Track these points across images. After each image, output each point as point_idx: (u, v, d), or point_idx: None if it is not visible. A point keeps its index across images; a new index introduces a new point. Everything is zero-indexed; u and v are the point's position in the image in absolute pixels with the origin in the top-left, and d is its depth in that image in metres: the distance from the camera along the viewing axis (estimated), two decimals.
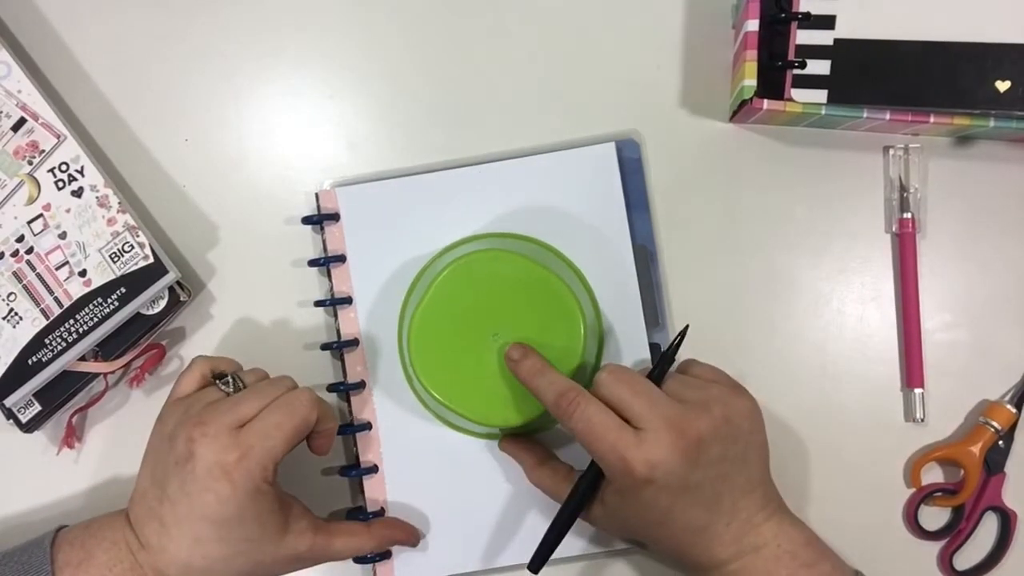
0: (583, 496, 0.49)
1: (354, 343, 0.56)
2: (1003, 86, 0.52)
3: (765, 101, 0.53)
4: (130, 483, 0.56)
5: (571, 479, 0.50)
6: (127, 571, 0.47)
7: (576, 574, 0.56)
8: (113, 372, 0.55)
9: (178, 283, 0.55)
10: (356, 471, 0.56)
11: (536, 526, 0.55)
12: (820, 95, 0.53)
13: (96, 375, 0.55)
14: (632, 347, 0.55)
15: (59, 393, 0.54)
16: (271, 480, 0.46)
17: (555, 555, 0.55)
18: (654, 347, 0.55)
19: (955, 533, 0.55)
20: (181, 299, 0.55)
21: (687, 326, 0.51)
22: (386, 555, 0.55)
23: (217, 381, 0.50)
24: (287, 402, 0.48)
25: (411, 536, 0.54)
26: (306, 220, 0.57)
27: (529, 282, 0.51)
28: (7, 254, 0.54)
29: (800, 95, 0.53)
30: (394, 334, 0.55)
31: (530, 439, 0.54)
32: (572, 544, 0.55)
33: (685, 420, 0.45)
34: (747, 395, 0.49)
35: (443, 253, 0.55)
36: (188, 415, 0.47)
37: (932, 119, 0.53)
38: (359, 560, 0.55)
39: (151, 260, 0.54)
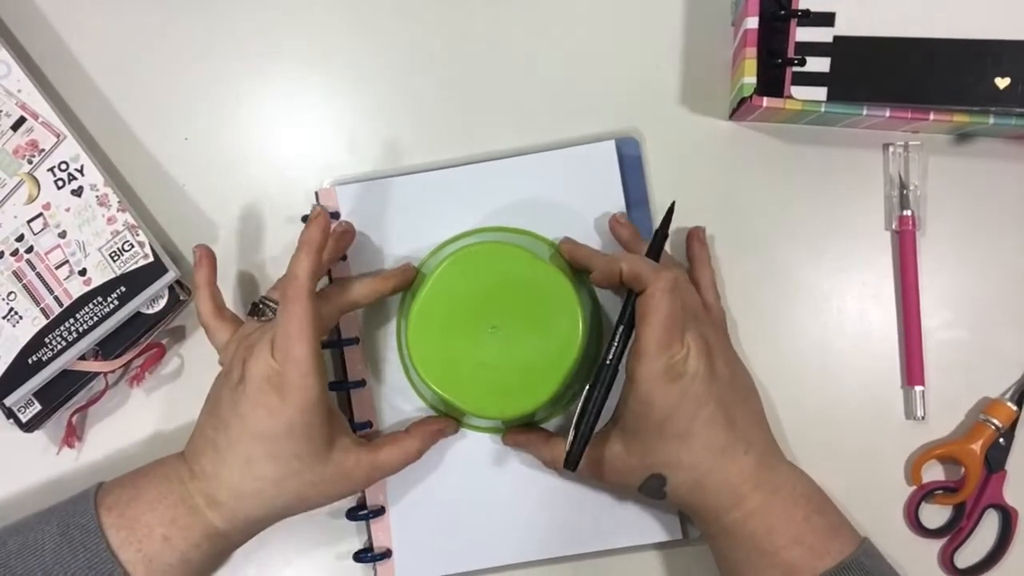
0: (618, 358, 0.48)
1: (354, 341, 0.56)
2: (1003, 83, 0.52)
3: (765, 99, 0.53)
4: None
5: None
6: (177, 503, 0.47)
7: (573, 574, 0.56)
8: (113, 371, 0.55)
9: (178, 282, 0.55)
10: None
11: (537, 523, 0.55)
12: (820, 92, 0.53)
13: (96, 374, 0.55)
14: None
15: (59, 392, 0.54)
16: (317, 386, 0.46)
17: (554, 555, 0.55)
18: None
19: (956, 531, 0.55)
20: (181, 298, 0.55)
21: (674, 202, 0.52)
22: (386, 554, 0.55)
23: (252, 312, 0.52)
24: (284, 299, 0.47)
25: (450, 424, 0.54)
26: (306, 220, 0.57)
27: (528, 275, 0.51)
28: (7, 253, 0.54)
29: (800, 92, 0.53)
30: (394, 332, 0.55)
31: (530, 426, 0.55)
32: (571, 543, 0.55)
33: (706, 336, 0.48)
34: None
35: (442, 247, 0.55)
36: (239, 347, 0.49)
37: (932, 116, 0.53)
38: (359, 559, 0.55)
39: (151, 259, 0.54)
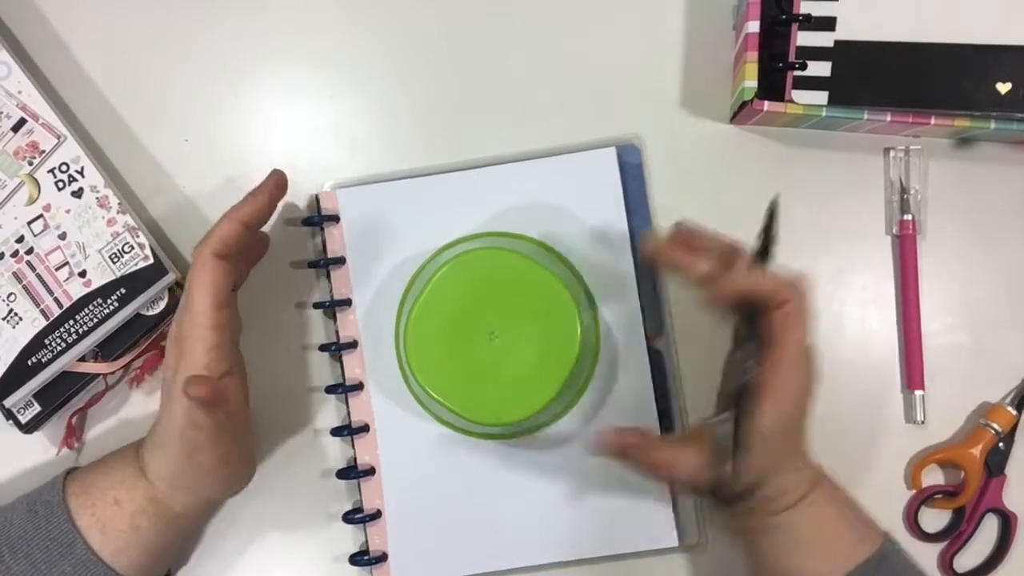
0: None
1: (353, 345, 0.56)
2: (1004, 88, 0.52)
3: (766, 103, 0.53)
4: None
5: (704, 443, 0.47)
6: (126, 464, 0.50)
7: None
8: (113, 373, 0.55)
9: (178, 284, 0.55)
10: (354, 473, 0.55)
11: (533, 529, 0.55)
12: (821, 96, 0.53)
13: (96, 376, 0.55)
14: (631, 351, 0.55)
15: (59, 394, 0.54)
16: (215, 337, 0.47)
17: (549, 561, 0.55)
18: (653, 352, 0.55)
19: (956, 535, 0.55)
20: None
21: (778, 195, 0.48)
22: (382, 558, 0.55)
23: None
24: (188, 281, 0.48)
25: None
26: (306, 222, 0.57)
27: (526, 281, 0.51)
28: (7, 254, 0.54)
29: (801, 96, 0.53)
30: (392, 336, 0.55)
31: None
32: (567, 549, 0.55)
33: None
34: None
35: (441, 251, 0.55)
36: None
37: (933, 121, 0.53)
38: (355, 562, 0.55)
39: (151, 261, 0.54)
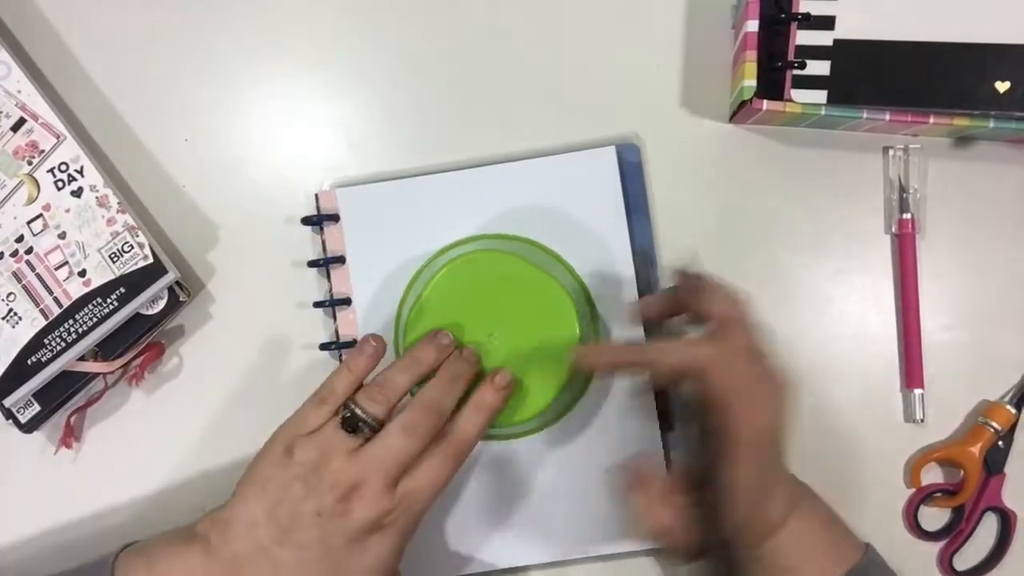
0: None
1: (352, 344, 0.56)
2: (1003, 87, 0.52)
3: (765, 102, 0.53)
4: (129, 483, 0.57)
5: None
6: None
7: None
8: (112, 372, 0.55)
9: (177, 283, 0.55)
10: None
11: (535, 527, 0.55)
12: (820, 95, 0.53)
13: (95, 375, 0.55)
14: None
15: (58, 393, 0.54)
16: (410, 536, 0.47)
17: (549, 560, 0.55)
18: None
19: (955, 534, 0.55)
20: (180, 299, 0.55)
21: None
22: None
23: (346, 426, 0.46)
24: (453, 450, 0.46)
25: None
26: (306, 221, 0.57)
27: (525, 284, 0.51)
28: (7, 254, 0.54)
29: (800, 95, 0.53)
30: (392, 337, 0.55)
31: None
32: (566, 548, 0.55)
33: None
34: None
35: (440, 253, 0.55)
36: (334, 463, 0.45)
37: (932, 120, 0.53)
38: None
39: (150, 260, 0.54)
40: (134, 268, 0.54)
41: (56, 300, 0.54)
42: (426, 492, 0.46)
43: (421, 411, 0.46)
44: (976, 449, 0.55)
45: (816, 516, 0.48)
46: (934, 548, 0.56)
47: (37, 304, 0.54)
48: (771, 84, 0.53)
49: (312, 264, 0.57)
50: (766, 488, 0.46)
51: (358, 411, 0.47)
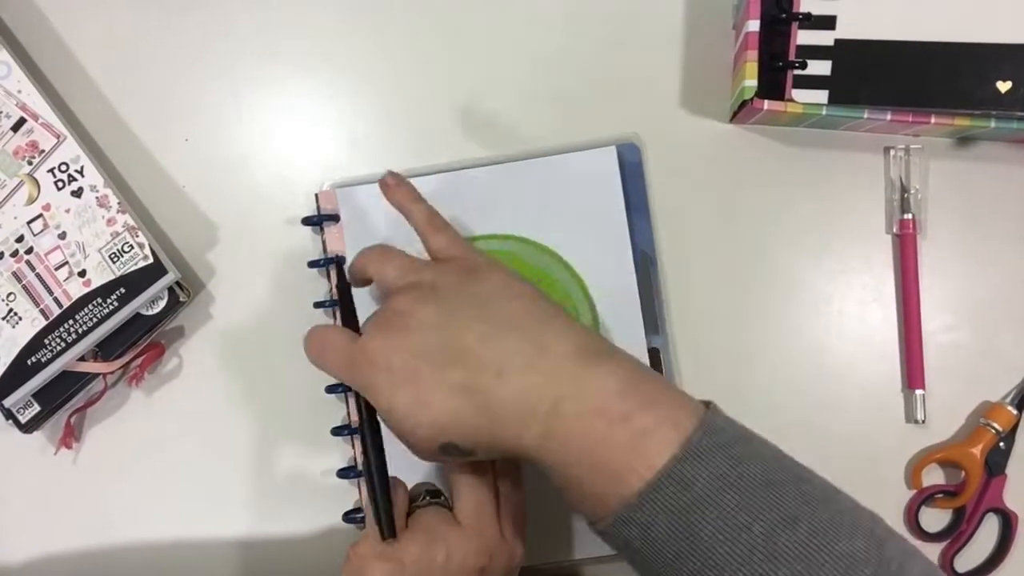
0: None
1: None
2: (1004, 87, 0.52)
3: (766, 102, 0.53)
4: (129, 483, 0.57)
5: None
6: None
7: None
8: (112, 372, 0.55)
9: (178, 283, 0.55)
10: (354, 473, 0.55)
11: (533, 526, 0.54)
12: (821, 95, 0.53)
13: (95, 375, 0.55)
14: (631, 351, 0.55)
15: (58, 393, 0.54)
16: None
17: (548, 559, 0.55)
18: (653, 352, 0.55)
19: (956, 535, 0.55)
20: (180, 299, 0.55)
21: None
22: None
23: (432, 503, 0.45)
24: (515, 472, 0.46)
25: None
26: (306, 221, 0.57)
27: None
28: (7, 254, 0.54)
29: (801, 95, 0.53)
30: None
31: None
32: (565, 549, 0.55)
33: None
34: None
35: None
36: (450, 547, 0.42)
37: (933, 120, 0.53)
38: None
39: (151, 260, 0.54)
40: (134, 268, 0.54)
41: (56, 300, 0.54)
42: (523, 515, 0.46)
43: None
44: (977, 450, 0.54)
45: (601, 415, 0.37)
46: (935, 549, 0.56)
47: (37, 304, 0.54)
48: (772, 84, 0.53)
49: (312, 264, 0.57)
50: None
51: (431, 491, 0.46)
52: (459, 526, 0.43)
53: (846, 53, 0.53)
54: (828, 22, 0.53)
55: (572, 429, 0.37)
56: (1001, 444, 0.55)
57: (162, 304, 0.55)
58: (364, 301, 0.56)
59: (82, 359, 0.54)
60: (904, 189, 0.56)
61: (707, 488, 0.35)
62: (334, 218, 0.56)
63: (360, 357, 0.41)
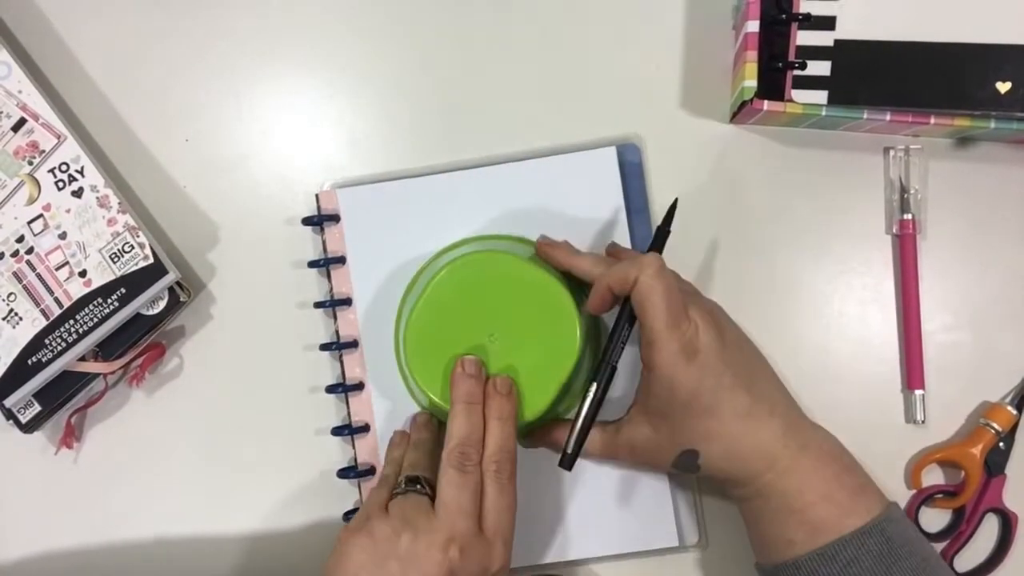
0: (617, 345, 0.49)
1: (353, 344, 0.56)
2: (1004, 87, 0.52)
3: (765, 102, 0.53)
4: (130, 483, 0.57)
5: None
6: None
7: None
8: (113, 372, 0.55)
9: (178, 283, 0.55)
10: (354, 473, 0.56)
11: (535, 528, 0.55)
12: (820, 96, 0.53)
13: (96, 375, 0.55)
14: (631, 352, 0.55)
15: (59, 393, 0.54)
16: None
17: (550, 560, 0.55)
18: None
19: (956, 535, 0.55)
20: (181, 299, 0.55)
21: (676, 199, 0.51)
22: None
23: (409, 490, 0.48)
24: (495, 467, 0.47)
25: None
26: (306, 221, 0.57)
27: (526, 284, 0.51)
28: (7, 254, 0.54)
29: (800, 96, 0.53)
30: (392, 336, 0.55)
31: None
32: (565, 549, 0.55)
33: (708, 308, 0.49)
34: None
35: (441, 254, 0.55)
36: (418, 532, 0.45)
37: (933, 120, 0.53)
38: None
39: (151, 260, 0.54)
40: (135, 268, 0.54)
41: (57, 300, 0.54)
42: (508, 519, 0.47)
43: (460, 454, 0.47)
44: (977, 450, 0.54)
45: (835, 460, 0.48)
46: (935, 549, 0.56)
47: (38, 304, 0.54)
48: (772, 84, 0.53)
49: (312, 264, 0.57)
50: (691, 424, 0.47)
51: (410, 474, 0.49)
52: (432, 516, 0.46)
53: (846, 54, 0.53)
54: (828, 23, 0.53)
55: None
56: (1001, 444, 0.55)
57: (162, 304, 0.55)
58: (364, 304, 0.56)
59: (83, 359, 0.54)
60: (904, 189, 0.57)
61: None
62: (334, 218, 0.56)
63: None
